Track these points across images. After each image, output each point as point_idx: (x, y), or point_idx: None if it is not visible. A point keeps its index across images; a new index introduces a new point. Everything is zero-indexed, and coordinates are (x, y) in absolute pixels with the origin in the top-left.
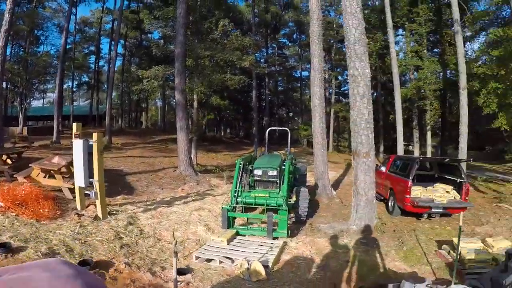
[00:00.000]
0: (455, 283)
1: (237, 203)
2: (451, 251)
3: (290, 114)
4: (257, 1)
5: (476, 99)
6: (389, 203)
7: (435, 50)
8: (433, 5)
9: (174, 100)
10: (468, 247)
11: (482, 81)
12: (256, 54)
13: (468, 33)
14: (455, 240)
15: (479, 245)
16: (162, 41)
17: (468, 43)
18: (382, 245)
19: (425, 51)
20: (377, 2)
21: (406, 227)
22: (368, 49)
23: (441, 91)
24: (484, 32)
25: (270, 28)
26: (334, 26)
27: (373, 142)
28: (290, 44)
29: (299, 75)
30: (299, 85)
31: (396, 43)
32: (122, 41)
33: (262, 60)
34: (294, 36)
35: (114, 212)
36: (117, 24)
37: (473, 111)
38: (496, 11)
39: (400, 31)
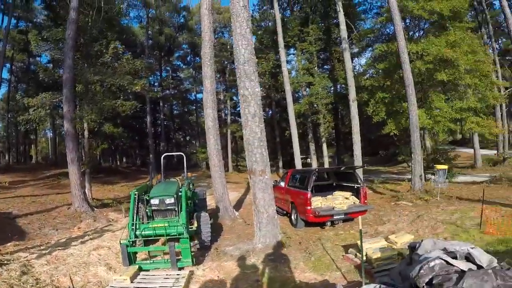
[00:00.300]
0: (366, 283)
1: (136, 236)
2: (358, 254)
3: (187, 138)
4: (151, 22)
5: (366, 109)
6: (292, 217)
7: (325, 66)
8: (322, 25)
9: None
10: (373, 247)
11: (370, 92)
12: (150, 78)
13: (356, 50)
14: (359, 242)
15: (383, 243)
16: (51, 65)
17: (356, 58)
18: (290, 259)
19: (316, 68)
20: (270, 24)
21: (311, 238)
22: (261, 68)
23: (333, 104)
24: (370, 48)
25: (164, 51)
26: (228, 47)
27: (268, 160)
28: (184, 66)
29: (194, 97)
30: (194, 107)
31: (288, 61)
32: (8, 65)
33: (156, 84)
34: (188, 58)
35: (5, 262)
36: (2, 45)
37: (364, 120)
38: (381, 29)
39: (292, 50)
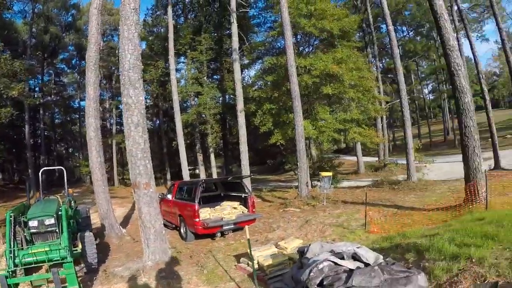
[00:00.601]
0: None
1: (15, 265)
2: (250, 262)
3: (70, 150)
4: (36, 19)
5: (253, 120)
6: (182, 230)
7: (215, 76)
8: (215, 34)
9: None
10: (265, 254)
11: (258, 103)
12: (30, 81)
13: (246, 61)
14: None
15: (273, 250)
16: None
17: (245, 70)
18: (183, 274)
19: (205, 78)
20: (162, 30)
21: (202, 250)
22: (150, 76)
23: (221, 114)
24: (260, 60)
25: (48, 51)
26: (117, 51)
27: (152, 172)
28: (69, 70)
29: (78, 105)
30: (78, 116)
31: (178, 70)
32: None
33: (36, 89)
34: (74, 62)
35: None
36: None
37: (251, 130)
38: (272, 42)
39: (182, 58)
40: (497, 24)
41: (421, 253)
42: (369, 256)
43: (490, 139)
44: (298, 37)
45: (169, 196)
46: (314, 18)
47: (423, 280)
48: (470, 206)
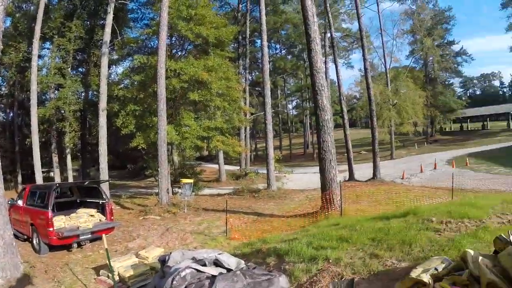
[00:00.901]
0: None
1: None
2: (110, 274)
3: None
4: None
5: (115, 120)
6: (34, 241)
7: (80, 69)
8: (88, 23)
9: None
10: (125, 265)
11: (122, 103)
12: None
13: (116, 57)
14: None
15: (134, 260)
16: None
17: (114, 66)
18: None
19: (69, 69)
20: (32, 8)
21: (58, 263)
22: (9, 59)
23: (81, 112)
24: (130, 58)
25: None
26: None
27: (1, 173)
28: None
29: None
30: None
31: (41, 56)
32: None
33: None
34: None
35: None
36: None
37: (113, 131)
38: (146, 40)
39: (48, 44)
40: (364, 55)
41: (281, 256)
42: (231, 261)
43: (346, 154)
44: (173, 39)
45: (20, 202)
46: (192, 22)
47: (285, 281)
48: (326, 213)
